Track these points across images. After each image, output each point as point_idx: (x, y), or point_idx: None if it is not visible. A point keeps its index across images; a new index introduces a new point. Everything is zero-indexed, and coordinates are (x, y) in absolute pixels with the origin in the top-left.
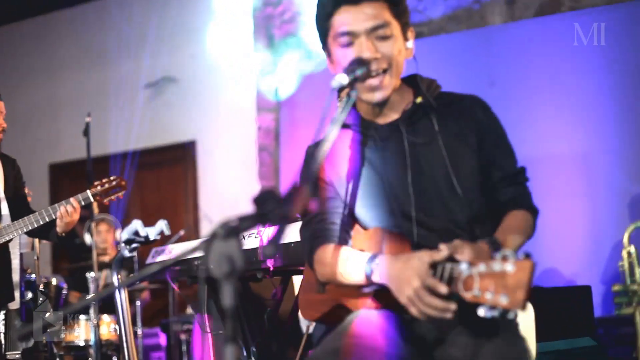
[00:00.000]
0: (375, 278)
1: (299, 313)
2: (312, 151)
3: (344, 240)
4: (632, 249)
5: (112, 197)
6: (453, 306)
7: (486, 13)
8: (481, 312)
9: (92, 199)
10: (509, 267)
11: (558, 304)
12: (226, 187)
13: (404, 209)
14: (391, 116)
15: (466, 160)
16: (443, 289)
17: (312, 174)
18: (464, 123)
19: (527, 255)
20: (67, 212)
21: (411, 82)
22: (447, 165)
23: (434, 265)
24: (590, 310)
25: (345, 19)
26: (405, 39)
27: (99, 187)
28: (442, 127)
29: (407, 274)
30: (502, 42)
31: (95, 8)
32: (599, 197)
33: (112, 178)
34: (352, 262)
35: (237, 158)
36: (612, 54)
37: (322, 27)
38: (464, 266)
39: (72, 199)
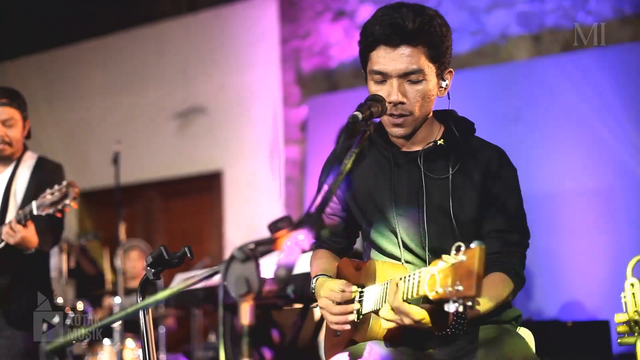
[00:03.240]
0: (317, 296)
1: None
2: (325, 180)
3: (335, 249)
4: (635, 280)
5: (65, 207)
6: (352, 316)
7: (512, 48)
8: (446, 307)
9: (35, 212)
10: (462, 257)
11: (576, 338)
12: (251, 218)
13: (415, 243)
14: (413, 146)
15: (468, 203)
16: (338, 297)
17: (325, 202)
18: (477, 170)
19: (479, 243)
20: (8, 233)
21: (444, 117)
22: (450, 205)
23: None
24: (608, 345)
25: (381, 59)
26: (442, 79)
27: (47, 197)
28: (456, 169)
29: (321, 294)
30: (527, 77)
31: (126, 38)
32: (622, 232)
33: (63, 184)
34: (312, 274)
35: (263, 189)
36: (637, 89)
37: (362, 56)
38: (426, 268)
39: (13, 218)
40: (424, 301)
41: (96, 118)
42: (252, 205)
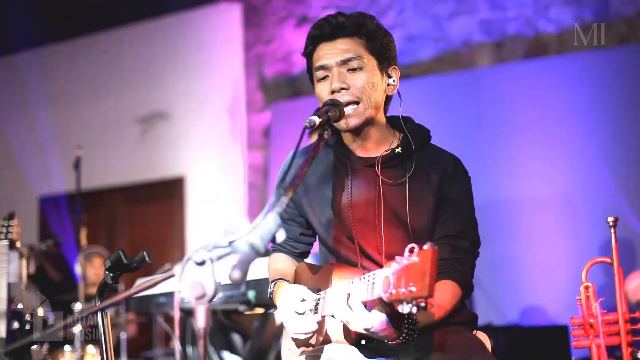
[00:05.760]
0: (274, 300)
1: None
2: (281, 183)
3: (293, 253)
4: (589, 284)
5: None
6: (313, 327)
7: (474, 55)
8: (400, 308)
9: None
10: (415, 258)
11: (534, 343)
12: (214, 224)
13: (372, 248)
14: (369, 151)
15: (424, 210)
16: (304, 309)
17: (282, 205)
18: (434, 175)
19: (431, 244)
20: None
21: (400, 125)
22: (406, 212)
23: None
24: (567, 350)
25: (321, 54)
26: (387, 75)
27: None
28: (413, 174)
29: (282, 305)
30: (489, 84)
31: (89, 43)
32: (582, 237)
33: None
34: (270, 278)
35: (226, 195)
36: (597, 96)
37: (307, 66)
38: (380, 270)
39: None
40: (379, 309)
41: (58, 123)
42: (214, 211)
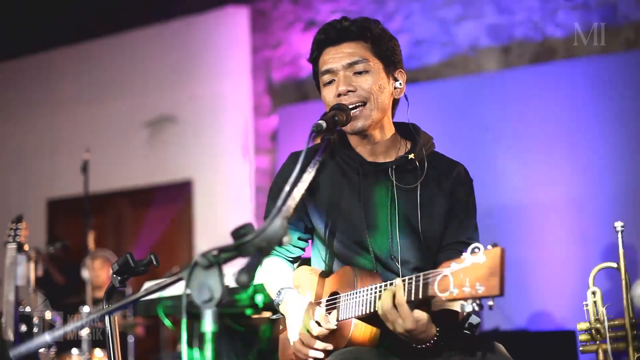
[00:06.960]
0: (281, 310)
1: None
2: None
3: (286, 257)
4: (596, 289)
5: None
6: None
7: (482, 60)
8: (461, 308)
9: None
10: (480, 257)
11: (542, 348)
12: (221, 227)
13: (384, 253)
14: (378, 157)
15: (436, 217)
16: (318, 332)
17: (287, 209)
18: (444, 181)
19: (495, 244)
20: None
21: (408, 132)
22: (418, 219)
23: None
24: (574, 355)
25: (326, 59)
26: (394, 78)
27: None
28: (424, 180)
29: (296, 323)
30: (496, 88)
31: (97, 46)
32: (590, 242)
33: None
34: (271, 287)
35: (234, 198)
36: (605, 101)
37: (314, 70)
38: (435, 270)
39: None
40: (422, 310)
41: (66, 126)
42: (222, 215)
